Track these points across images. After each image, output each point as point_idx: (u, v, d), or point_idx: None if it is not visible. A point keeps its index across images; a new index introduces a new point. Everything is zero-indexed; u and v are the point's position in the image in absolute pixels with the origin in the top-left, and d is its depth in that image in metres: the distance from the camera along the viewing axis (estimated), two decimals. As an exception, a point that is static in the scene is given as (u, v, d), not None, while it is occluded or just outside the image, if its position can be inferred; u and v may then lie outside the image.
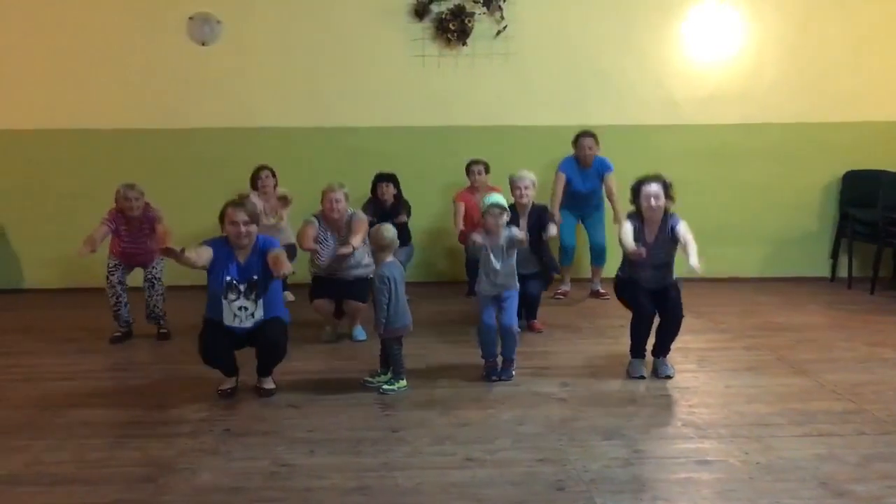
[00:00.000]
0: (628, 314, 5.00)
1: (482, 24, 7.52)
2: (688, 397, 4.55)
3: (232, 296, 4.38)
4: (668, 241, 4.73)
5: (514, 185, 5.84)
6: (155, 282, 5.80)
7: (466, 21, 7.44)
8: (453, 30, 7.45)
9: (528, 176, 5.82)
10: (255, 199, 6.22)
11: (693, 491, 3.40)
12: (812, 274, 7.89)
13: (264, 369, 4.63)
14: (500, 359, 4.91)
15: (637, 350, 4.97)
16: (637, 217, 4.81)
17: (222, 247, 4.45)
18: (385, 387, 4.63)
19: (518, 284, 4.85)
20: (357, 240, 5.44)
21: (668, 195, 4.74)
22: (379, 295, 4.59)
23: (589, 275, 7.33)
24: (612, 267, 6.85)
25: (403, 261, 6.60)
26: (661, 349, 4.96)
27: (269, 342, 4.52)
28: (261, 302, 4.44)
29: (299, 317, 6.21)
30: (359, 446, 3.86)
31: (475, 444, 3.87)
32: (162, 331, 5.87)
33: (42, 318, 6.53)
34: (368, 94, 6.95)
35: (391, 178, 6.88)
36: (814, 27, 7.65)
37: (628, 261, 4.84)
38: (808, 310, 6.67)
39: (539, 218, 5.82)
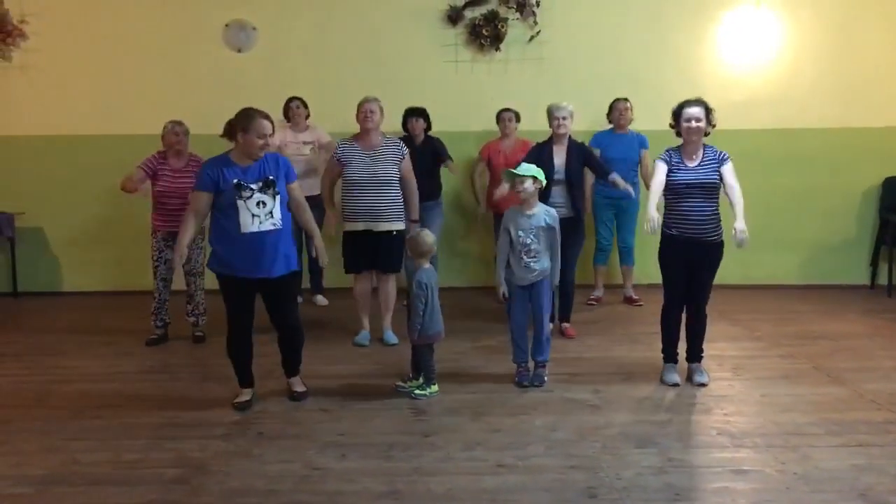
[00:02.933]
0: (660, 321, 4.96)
1: (515, 29, 7.53)
2: (723, 405, 4.49)
3: (246, 193, 4.26)
4: (713, 169, 4.69)
5: (552, 116, 5.81)
6: (199, 276, 5.88)
7: (500, 26, 7.45)
8: (486, 35, 7.46)
9: (567, 106, 5.80)
10: (285, 131, 6.51)
11: (728, 501, 3.35)
12: (851, 281, 7.75)
13: (290, 364, 4.64)
14: (531, 364, 4.90)
15: (669, 353, 4.94)
16: (675, 150, 4.79)
17: (216, 167, 4.32)
18: (417, 392, 4.63)
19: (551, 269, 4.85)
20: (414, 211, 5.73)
21: (709, 119, 4.72)
22: (416, 301, 4.60)
23: (620, 280, 7.27)
24: (640, 267, 6.88)
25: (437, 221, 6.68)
26: (694, 353, 4.92)
27: (284, 325, 4.54)
28: (278, 199, 4.34)
29: (332, 320, 6.26)
30: (390, 451, 3.86)
31: (507, 450, 3.86)
32: (197, 334, 5.93)
33: (80, 320, 6.63)
34: (402, 100, 6.94)
35: (421, 113, 6.76)
36: (852, 31, 7.54)
37: (673, 194, 4.75)
38: (847, 318, 6.56)
39: (581, 154, 5.82)
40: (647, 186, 6.69)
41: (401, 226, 5.65)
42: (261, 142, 4.30)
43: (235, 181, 4.25)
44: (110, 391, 4.80)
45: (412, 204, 5.77)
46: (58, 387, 4.89)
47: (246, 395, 4.56)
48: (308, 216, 4.66)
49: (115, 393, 4.77)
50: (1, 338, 6.10)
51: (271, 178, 4.33)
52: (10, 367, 5.35)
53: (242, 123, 4.31)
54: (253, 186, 4.27)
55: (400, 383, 4.76)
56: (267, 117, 4.36)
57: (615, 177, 5.82)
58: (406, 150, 5.76)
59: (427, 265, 4.70)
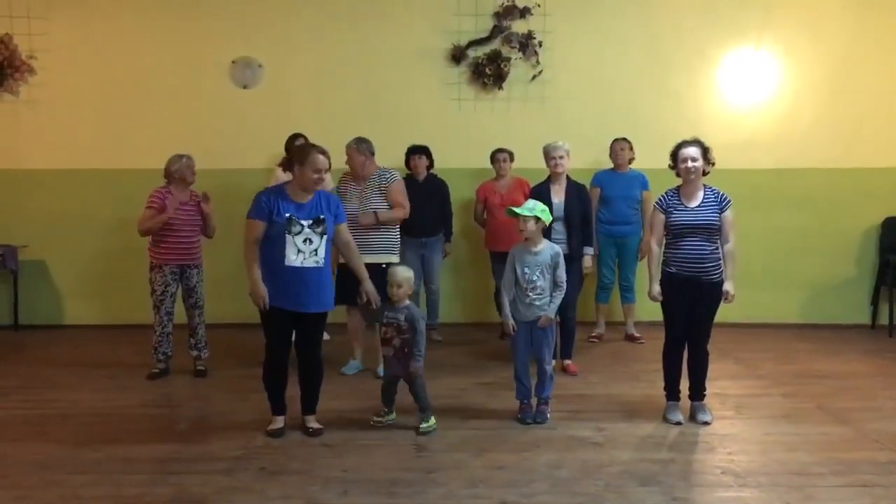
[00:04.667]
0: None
1: (518, 68, 7.62)
2: (726, 444, 4.48)
3: (295, 229, 4.35)
4: (713, 211, 4.71)
5: (548, 156, 5.91)
6: (203, 309, 5.94)
7: (502, 66, 7.55)
8: (489, 74, 7.55)
9: (563, 145, 5.89)
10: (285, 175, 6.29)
11: (733, 540, 3.34)
12: (851, 321, 7.76)
13: (309, 402, 4.66)
14: (534, 401, 4.89)
15: (671, 390, 4.94)
16: (674, 191, 4.83)
17: (272, 197, 4.42)
18: (423, 426, 4.65)
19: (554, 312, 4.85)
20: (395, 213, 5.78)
21: (707, 159, 4.77)
22: (421, 336, 4.66)
23: (622, 317, 7.28)
24: (641, 304, 6.87)
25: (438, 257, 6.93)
26: (696, 391, 4.92)
27: (308, 358, 4.61)
28: (325, 239, 4.43)
29: (334, 355, 6.21)
30: (393, 487, 3.84)
31: (510, 487, 3.84)
32: (199, 368, 5.92)
33: (82, 353, 6.62)
34: (405, 137, 7.03)
35: (424, 151, 6.89)
36: (851, 71, 7.64)
37: (672, 235, 4.78)
38: (848, 357, 6.55)
39: (579, 196, 5.89)
40: (648, 228, 6.76)
41: (388, 259, 5.69)
42: (315, 176, 4.42)
43: (288, 215, 4.35)
44: (112, 425, 4.79)
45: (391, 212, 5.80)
46: (59, 420, 4.88)
47: (279, 422, 4.62)
48: (357, 257, 4.76)
49: (117, 427, 4.75)
50: (2, 370, 6.09)
51: (322, 217, 4.43)
52: (12, 399, 5.33)
53: (299, 157, 4.46)
54: (304, 223, 4.37)
55: (376, 418, 4.77)
56: (324, 153, 4.49)
57: (587, 255, 5.93)
58: (394, 177, 5.86)
59: (408, 300, 4.77)
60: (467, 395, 5.41)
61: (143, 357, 6.02)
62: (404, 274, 4.76)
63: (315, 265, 4.40)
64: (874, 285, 7.75)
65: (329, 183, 6.76)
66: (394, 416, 4.79)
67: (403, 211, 5.83)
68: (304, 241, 4.37)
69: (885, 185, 7.69)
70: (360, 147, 5.81)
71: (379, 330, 4.82)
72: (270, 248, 4.39)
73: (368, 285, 4.75)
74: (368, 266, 5.51)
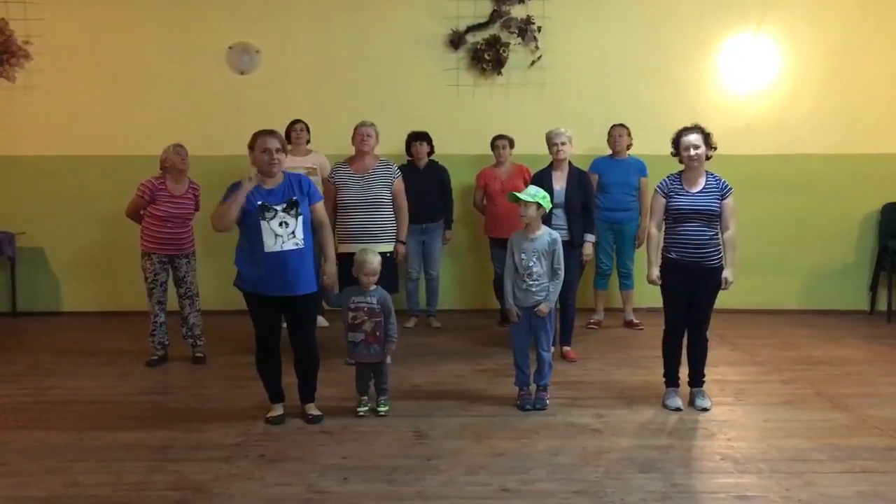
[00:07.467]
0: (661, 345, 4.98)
1: (517, 53, 7.58)
2: (725, 431, 4.48)
3: (269, 214, 4.35)
4: (714, 198, 4.71)
5: (550, 142, 5.88)
6: (194, 298, 5.88)
7: (501, 51, 7.50)
8: (488, 59, 7.50)
9: (564, 132, 5.86)
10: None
11: (733, 527, 3.34)
12: (850, 307, 7.75)
13: (307, 390, 4.67)
14: (533, 387, 4.90)
15: (671, 377, 4.95)
16: (675, 176, 4.83)
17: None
18: (382, 409, 4.74)
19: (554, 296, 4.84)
20: (403, 231, 5.88)
21: (709, 144, 4.76)
22: (394, 317, 4.70)
23: (620, 304, 7.27)
24: (640, 290, 6.87)
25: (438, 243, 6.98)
26: (695, 377, 4.93)
27: (301, 344, 4.60)
28: (300, 220, 4.41)
29: (333, 341, 6.22)
30: (393, 474, 3.85)
31: (510, 474, 3.85)
32: (198, 354, 5.92)
33: (80, 340, 6.62)
34: (404, 123, 7.00)
35: (425, 137, 6.89)
36: (851, 57, 7.60)
37: (672, 220, 4.79)
38: (847, 343, 6.56)
39: (581, 183, 5.88)
40: (648, 213, 6.74)
41: (388, 248, 5.72)
42: (265, 157, 4.40)
43: (260, 203, 4.34)
44: (111, 412, 4.79)
45: (401, 224, 5.86)
46: (58, 407, 4.88)
47: (278, 409, 4.64)
48: (328, 236, 4.70)
49: (116, 414, 4.75)
50: (1, 358, 6.07)
51: (295, 198, 4.42)
52: (10, 387, 5.32)
53: (249, 143, 4.47)
54: (277, 207, 4.36)
55: (360, 409, 4.75)
56: (272, 134, 4.48)
57: (588, 243, 5.89)
58: (398, 172, 5.89)
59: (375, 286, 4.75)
60: (466, 381, 5.41)
61: (142, 344, 6.01)
62: (379, 260, 4.74)
63: (295, 247, 4.39)
64: (873, 271, 7.75)
65: (326, 164, 6.75)
66: (369, 405, 4.80)
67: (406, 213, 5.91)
68: (280, 224, 4.36)
69: (884, 170, 7.66)
70: (376, 129, 5.83)
71: (346, 316, 4.73)
72: (249, 238, 4.40)
73: (331, 266, 4.67)
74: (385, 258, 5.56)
